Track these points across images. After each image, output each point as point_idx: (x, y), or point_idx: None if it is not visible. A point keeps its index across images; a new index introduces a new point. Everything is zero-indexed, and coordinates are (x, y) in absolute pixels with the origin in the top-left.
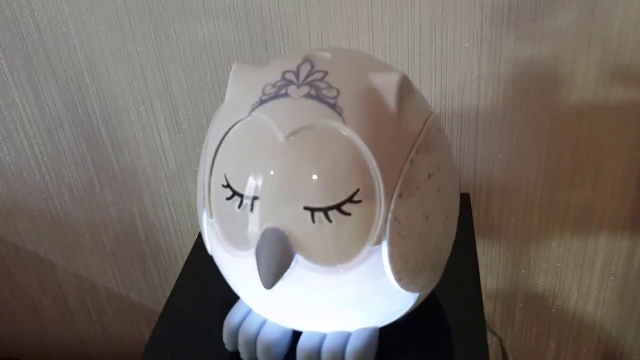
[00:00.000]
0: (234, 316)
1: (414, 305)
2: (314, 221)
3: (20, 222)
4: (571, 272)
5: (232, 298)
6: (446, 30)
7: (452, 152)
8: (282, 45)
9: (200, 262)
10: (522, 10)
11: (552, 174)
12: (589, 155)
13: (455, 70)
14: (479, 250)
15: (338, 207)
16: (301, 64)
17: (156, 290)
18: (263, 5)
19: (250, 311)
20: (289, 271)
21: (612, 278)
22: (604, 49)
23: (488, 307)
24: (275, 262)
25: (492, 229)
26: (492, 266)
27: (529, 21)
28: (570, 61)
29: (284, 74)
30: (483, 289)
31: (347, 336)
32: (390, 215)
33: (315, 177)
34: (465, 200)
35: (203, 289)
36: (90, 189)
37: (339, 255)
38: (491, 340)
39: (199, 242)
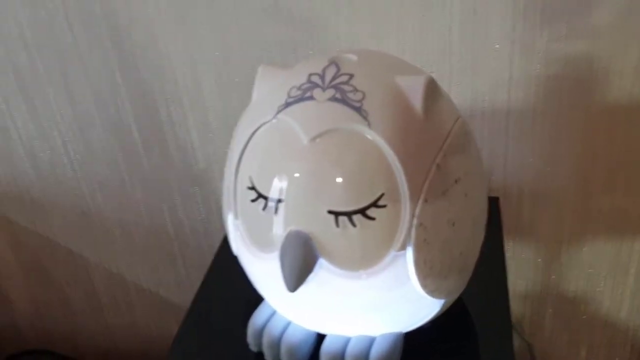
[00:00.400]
0: (259, 317)
1: (439, 311)
2: (337, 225)
3: (54, 217)
4: (603, 279)
5: (257, 298)
6: (477, 31)
7: (480, 156)
8: (310, 45)
9: (227, 262)
10: (556, 10)
11: (584, 178)
12: (621, 159)
13: (486, 72)
14: (508, 255)
15: (362, 211)
16: (327, 67)
17: (184, 287)
18: (292, 7)
19: (274, 312)
20: (312, 274)
21: None
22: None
23: (517, 312)
24: (299, 265)
25: (522, 233)
26: (522, 271)
27: (563, 22)
28: (605, 62)
29: (309, 76)
30: (512, 294)
31: (371, 340)
32: (415, 220)
33: (339, 180)
34: (494, 204)
35: (228, 289)
36: (121, 186)
37: (362, 260)
38: (520, 345)
39: (226, 242)
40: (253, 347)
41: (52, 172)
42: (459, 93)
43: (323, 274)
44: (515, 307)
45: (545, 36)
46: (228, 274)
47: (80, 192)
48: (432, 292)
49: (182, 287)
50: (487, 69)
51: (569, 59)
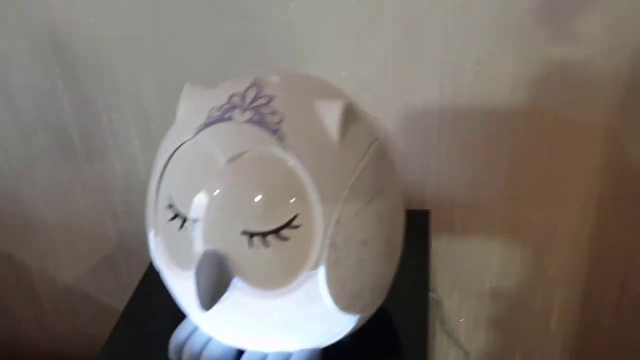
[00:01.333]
0: (181, 332)
1: (355, 326)
2: (252, 245)
3: None
4: (533, 289)
5: (183, 313)
6: (410, 51)
7: (396, 177)
8: (251, 62)
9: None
10: (483, 35)
11: (513, 192)
12: (549, 173)
13: (418, 92)
14: (441, 266)
15: (276, 232)
16: (248, 88)
17: (128, 293)
18: (233, 24)
19: (196, 328)
20: (227, 293)
21: (573, 295)
22: (550, 73)
23: (453, 321)
24: (213, 284)
25: (454, 245)
26: (457, 281)
27: (490, 45)
28: (528, 87)
29: (230, 97)
30: (449, 304)
31: (288, 356)
32: (327, 241)
33: (254, 201)
34: (424, 217)
35: (158, 303)
36: (63, 194)
37: (276, 279)
38: (457, 354)
39: None
40: None
41: None
42: (394, 111)
43: (237, 293)
44: (452, 316)
45: (474, 59)
46: (159, 288)
47: (23, 198)
48: (345, 309)
49: (125, 293)
50: (419, 89)
51: (493, 78)
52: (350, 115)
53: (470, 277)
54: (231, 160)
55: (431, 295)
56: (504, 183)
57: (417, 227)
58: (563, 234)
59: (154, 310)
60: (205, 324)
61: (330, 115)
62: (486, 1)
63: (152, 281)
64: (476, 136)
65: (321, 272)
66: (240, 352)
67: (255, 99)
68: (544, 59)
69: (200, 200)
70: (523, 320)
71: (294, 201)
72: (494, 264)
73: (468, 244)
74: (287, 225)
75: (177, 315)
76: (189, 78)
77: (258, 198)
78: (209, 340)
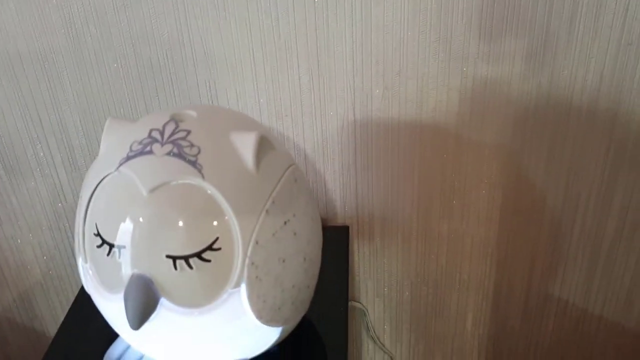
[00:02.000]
0: (114, 350)
1: (280, 337)
2: (175, 268)
3: None
4: (449, 294)
5: (115, 335)
6: (323, 79)
7: (311, 198)
8: (172, 91)
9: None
10: (387, 63)
11: (424, 204)
12: (455, 187)
13: (333, 115)
14: (365, 276)
15: (198, 255)
16: (166, 123)
17: (59, 319)
18: (152, 54)
19: (129, 346)
20: (155, 313)
21: (484, 300)
22: (461, 97)
23: (378, 327)
24: (141, 306)
25: (375, 256)
26: (379, 289)
27: (394, 74)
28: (432, 109)
29: (150, 131)
30: (373, 311)
31: None
32: (247, 260)
33: (175, 227)
34: (344, 232)
35: (90, 324)
36: None
37: (200, 298)
38: (383, 358)
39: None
40: None
41: None
42: (312, 133)
43: (165, 312)
44: (377, 323)
45: (381, 86)
46: (90, 309)
47: None
48: (268, 322)
49: (57, 320)
50: (334, 112)
51: (402, 106)
52: (263, 144)
53: (390, 286)
54: (153, 190)
55: (356, 304)
56: (417, 197)
57: (339, 242)
58: (471, 242)
59: (87, 332)
60: (137, 343)
61: (245, 145)
62: (388, 33)
63: (83, 305)
64: (388, 154)
65: (243, 290)
66: None
67: (173, 132)
68: (442, 85)
69: (125, 228)
70: (441, 323)
71: (213, 226)
72: (412, 272)
73: (388, 254)
74: (208, 248)
75: (110, 337)
76: (109, 110)
77: (179, 224)
78: (141, 358)
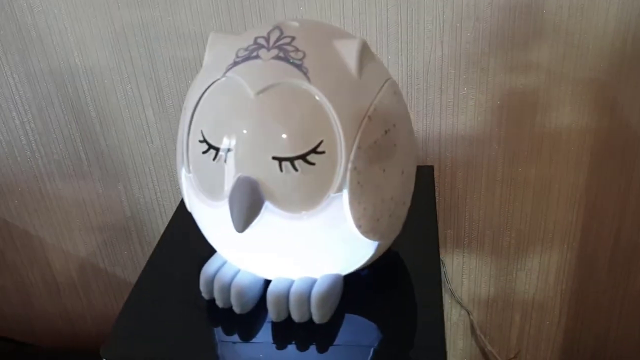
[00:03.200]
0: (210, 267)
1: (374, 254)
2: (281, 170)
3: (11, 198)
4: (532, 244)
5: (210, 256)
6: (410, 12)
7: (408, 114)
8: (259, 25)
9: (181, 227)
10: None
11: (511, 148)
12: (545, 131)
13: (420, 51)
14: (445, 225)
15: (303, 157)
16: (271, 30)
17: (141, 266)
18: None
19: (225, 262)
20: (259, 217)
21: (569, 251)
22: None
23: (456, 280)
24: (247, 207)
25: (457, 203)
26: (459, 241)
27: (486, 4)
28: (523, 43)
29: (255, 39)
30: (451, 263)
31: (313, 281)
32: (350, 165)
33: (282, 129)
34: (428, 172)
35: (183, 249)
36: (78, 165)
37: (304, 202)
38: (459, 313)
39: (178, 213)
40: (205, 295)
41: (10, 152)
42: (396, 70)
43: (268, 216)
44: (455, 277)
45: (472, 18)
46: (183, 236)
47: (38, 172)
48: (366, 232)
49: (138, 266)
50: (420, 48)
51: (493, 38)
52: (366, 52)
53: (471, 236)
54: (259, 92)
55: None
56: (504, 138)
57: (424, 182)
58: (559, 188)
59: (181, 258)
60: (235, 256)
61: (349, 51)
62: None
63: (172, 235)
64: (476, 92)
65: (345, 196)
66: (268, 283)
67: (279, 39)
68: (536, 14)
69: (232, 132)
70: (522, 277)
71: (318, 128)
72: (494, 221)
73: (470, 202)
74: (313, 150)
75: (203, 260)
76: (198, 47)
77: (285, 126)
78: (237, 272)
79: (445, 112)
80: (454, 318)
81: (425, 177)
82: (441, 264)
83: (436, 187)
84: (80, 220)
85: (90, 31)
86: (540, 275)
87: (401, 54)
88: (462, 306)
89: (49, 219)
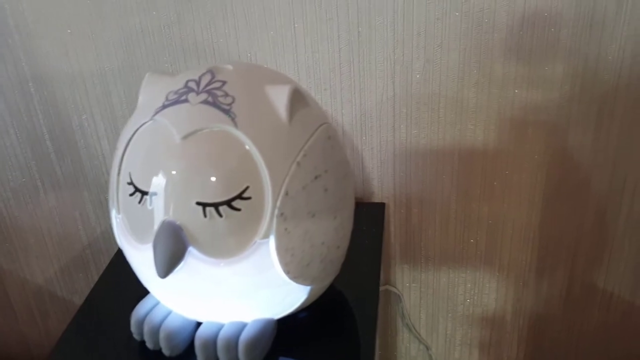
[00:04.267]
0: (142, 307)
1: (308, 298)
2: (205, 215)
3: None
4: (487, 282)
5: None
6: (362, 52)
7: (344, 158)
8: (214, 62)
9: (124, 263)
10: (429, 35)
11: (464, 186)
12: (495, 169)
13: (372, 90)
14: (402, 260)
15: (228, 203)
16: (203, 74)
17: None
18: (195, 24)
19: (157, 303)
20: (183, 262)
21: (524, 288)
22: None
23: (414, 315)
24: (170, 253)
25: (412, 239)
26: (416, 276)
27: (436, 46)
28: (473, 84)
29: (187, 82)
30: (409, 298)
31: (243, 326)
32: (277, 211)
33: (206, 174)
34: (380, 209)
35: (123, 286)
36: (34, 194)
37: (229, 248)
38: (418, 347)
39: None
40: (136, 336)
41: None
42: (350, 108)
43: (193, 261)
44: (413, 311)
45: (422, 59)
46: (125, 272)
47: None
48: (295, 278)
49: None
50: (372, 87)
51: (443, 80)
52: (297, 98)
53: (427, 271)
54: (185, 137)
55: (392, 289)
56: (456, 177)
57: (374, 219)
58: (512, 227)
59: (119, 292)
60: (164, 297)
61: (279, 97)
62: (430, 3)
63: (117, 266)
64: (428, 131)
65: (271, 242)
66: (198, 325)
67: (209, 83)
68: (485, 58)
69: (157, 175)
70: (479, 312)
71: (244, 174)
72: (450, 257)
73: (425, 238)
74: (238, 196)
75: (141, 296)
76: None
77: (210, 171)
78: (168, 314)
79: (398, 150)
80: (412, 353)
81: (377, 214)
82: (399, 299)
83: (392, 224)
84: (38, 247)
85: (46, 63)
86: (497, 311)
87: (354, 92)
88: (420, 341)
89: (5, 246)
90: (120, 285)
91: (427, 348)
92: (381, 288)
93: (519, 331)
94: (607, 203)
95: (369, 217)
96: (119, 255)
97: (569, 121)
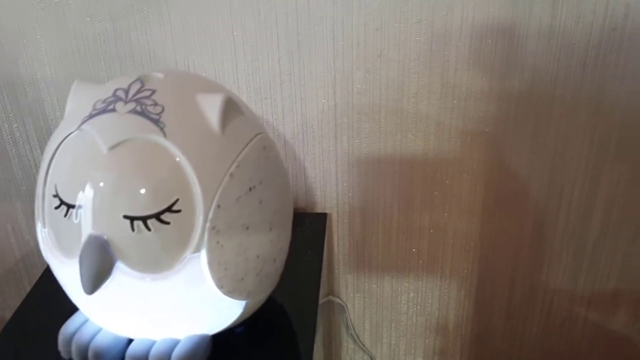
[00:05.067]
0: (70, 325)
1: (244, 313)
2: (133, 229)
3: None
4: (430, 291)
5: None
6: (302, 62)
7: (281, 168)
8: (150, 68)
9: (53, 279)
10: (369, 45)
11: (406, 196)
12: (436, 179)
13: (313, 99)
14: (345, 270)
15: (156, 216)
16: (132, 82)
17: None
18: (131, 31)
19: (87, 320)
20: (111, 278)
21: (467, 297)
22: (442, 82)
23: (358, 325)
24: (96, 268)
25: (356, 249)
26: (360, 286)
27: (376, 56)
28: (413, 94)
29: (115, 91)
30: (353, 308)
31: (176, 343)
32: (208, 224)
33: (133, 187)
34: (323, 219)
35: (51, 302)
36: None
37: (158, 263)
38: (362, 358)
39: None
40: (64, 355)
41: None
42: (291, 117)
43: (121, 276)
44: (357, 321)
45: (362, 69)
46: (54, 288)
47: None
48: (229, 293)
49: None
50: (314, 96)
51: (383, 90)
52: (230, 107)
53: (371, 281)
54: (112, 148)
55: (336, 300)
56: (398, 187)
57: (317, 229)
58: (453, 236)
59: (47, 309)
60: (93, 313)
61: (211, 107)
62: (369, 14)
63: (47, 282)
64: (369, 141)
65: (203, 256)
66: (130, 342)
67: (138, 92)
68: (424, 69)
69: (83, 188)
70: (422, 322)
71: (173, 186)
72: (393, 267)
73: (369, 248)
74: (168, 209)
75: (70, 313)
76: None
77: (138, 183)
78: (98, 331)
79: (341, 160)
80: None
81: (319, 224)
82: (343, 309)
83: (335, 234)
84: None
85: None
86: (440, 320)
87: (295, 102)
88: (364, 351)
89: None
90: (50, 301)
91: (372, 358)
92: (325, 299)
93: (461, 339)
94: (545, 212)
95: (311, 228)
96: (45, 275)
97: (507, 132)
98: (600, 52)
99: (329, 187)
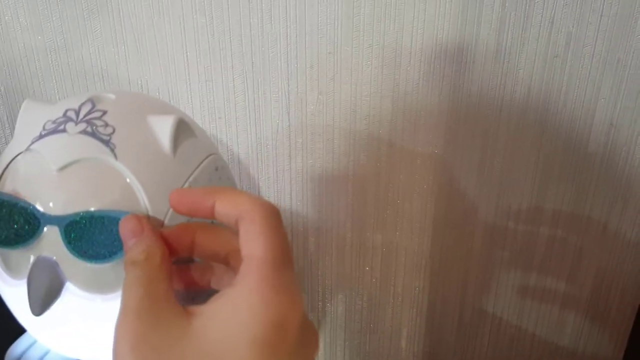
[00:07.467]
0: (17, 347)
1: None
2: None
3: None
4: (383, 308)
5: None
6: (256, 82)
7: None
8: (102, 88)
9: None
10: (322, 68)
11: (358, 215)
12: (388, 198)
13: (267, 120)
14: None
15: None
16: (83, 103)
17: None
18: (83, 50)
19: (34, 342)
20: (60, 299)
21: (418, 315)
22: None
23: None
24: (44, 289)
25: (310, 267)
26: (313, 304)
27: (329, 79)
28: (365, 116)
29: (65, 111)
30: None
31: None
32: None
33: (83, 207)
34: None
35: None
36: None
37: (109, 283)
38: None
39: None
40: None
41: None
42: (246, 137)
43: (71, 297)
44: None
45: (315, 91)
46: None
47: None
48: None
49: None
50: (268, 117)
51: (336, 112)
52: (182, 128)
53: (325, 299)
54: (62, 168)
55: None
56: (351, 206)
57: None
58: (405, 254)
59: None
60: (42, 336)
61: (162, 128)
62: (322, 37)
63: None
64: (323, 161)
65: None
66: None
67: (89, 112)
68: (375, 92)
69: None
70: (375, 340)
71: (124, 207)
72: (346, 285)
73: (322, 266)
74: None
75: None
76: None
77: (88, 204)
78: (46, 353)
79: (295, 179)
80: None
81: None
82: None
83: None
84: None
85: None
86: (393, 338)
87: (250, 122)
88: None
89: None
90: None
91: None
92: None
93: (414, 357)
94: (493, 231)
95: None
96: None
97: (455, 153)
98: (544, 78)
99: (283, 206)
